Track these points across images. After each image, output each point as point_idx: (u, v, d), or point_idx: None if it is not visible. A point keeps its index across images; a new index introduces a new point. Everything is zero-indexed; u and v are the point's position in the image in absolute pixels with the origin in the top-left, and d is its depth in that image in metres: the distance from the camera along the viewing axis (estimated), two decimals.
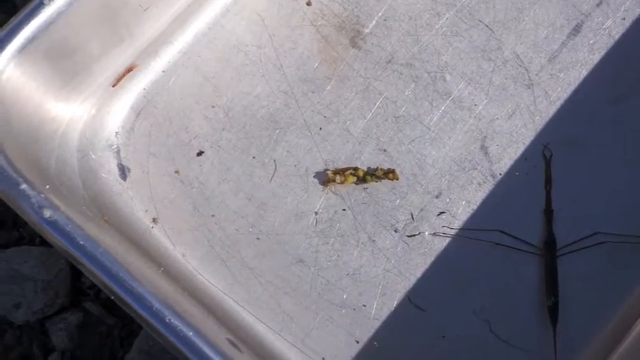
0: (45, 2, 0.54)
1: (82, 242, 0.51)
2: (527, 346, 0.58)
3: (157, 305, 0.50)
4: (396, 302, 0.60)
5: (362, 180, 0.62)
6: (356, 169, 0.62)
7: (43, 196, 0.51)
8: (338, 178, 0.61)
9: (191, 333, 0.49)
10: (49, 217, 0.51)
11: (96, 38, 0.59)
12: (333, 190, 0.62)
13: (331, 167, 0.63)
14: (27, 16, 0.54)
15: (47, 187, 0.53)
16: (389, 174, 0.62)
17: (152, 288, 0.51)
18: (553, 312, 0.58)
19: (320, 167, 0.63)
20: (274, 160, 0.63)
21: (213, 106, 0.64)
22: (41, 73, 0.57)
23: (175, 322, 0.50)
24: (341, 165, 0.63)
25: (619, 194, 0.61)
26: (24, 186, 0.51)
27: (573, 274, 0.60)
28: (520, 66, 0.64)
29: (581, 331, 0.59)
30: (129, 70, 0.63)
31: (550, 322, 0.58)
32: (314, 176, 0.63)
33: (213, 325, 0.55)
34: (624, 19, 0.64)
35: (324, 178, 0.62)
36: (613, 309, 0.59)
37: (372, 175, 0.62)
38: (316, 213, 0.62)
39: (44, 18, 0.55)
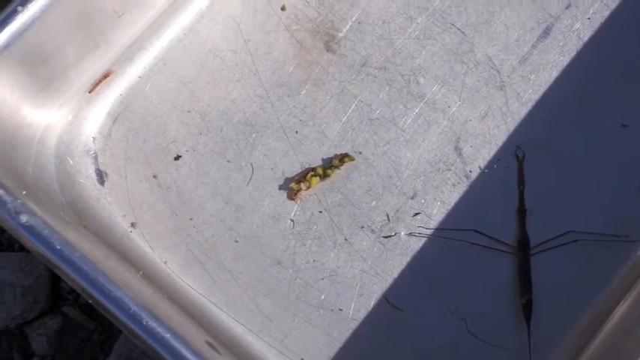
0: (19, 9, 0.54)
1: (58, 247, 0.51)
2: (503, 344, 0.59)
3: (134, 308, 0.50)
4: (373, 302, 0.61)
5: (325, 175, 0.62)
6: (314, 169, 0.63)
7: (19, 201, 0.52)
8: (303, 185, 0.62)
9: (168, 335, 0.50)
10: (26, 222, 0.51)
11: (71, 44, 0.59)
12: (304, 198, 0.62)
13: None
14: (1, 23, 0.54)
15: (24, 192, 0.54)
16: (344, 159, 0.63)
17: (130, 291, 0.51)
18: (527, 309, 0.59)
19: (297, 170, 0.64)
20: (251, 164, 0.64)
21: (189, 111, 0.65)
22: (16, 80, 0.57)
23: (153, 324, 0.50)
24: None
25: (591, 193, 0.62)
26: (0, 191, 0.52)
27: (547, 273, 0.61)
28: (492, 68, 0.65)
29: (555, 328, 0.60)
30: (105, 76, 0.64)
31: (524, 320, 0.59)
32: (291, 179, 0.63)
33: (192, 327, 0.56)
34: (591, 19, 0.65)
35: (290, 195, 0.62)
36: (586, 306, 0.60)
37: (330, 167, 0.63)
38: (292, 217, 0.62)
39: (18, 24, 0.55)
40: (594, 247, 0.61)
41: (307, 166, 0.64)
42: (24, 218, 0.51)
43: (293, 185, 0.62)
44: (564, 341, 0.59)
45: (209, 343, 0.54)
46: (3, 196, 0.52)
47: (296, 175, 0.63)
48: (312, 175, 0.62)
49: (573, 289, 0.60)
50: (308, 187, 0.62)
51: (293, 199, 0.62)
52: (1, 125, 0.57)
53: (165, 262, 0.61)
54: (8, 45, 0.55)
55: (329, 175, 0.63)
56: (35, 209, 0.52)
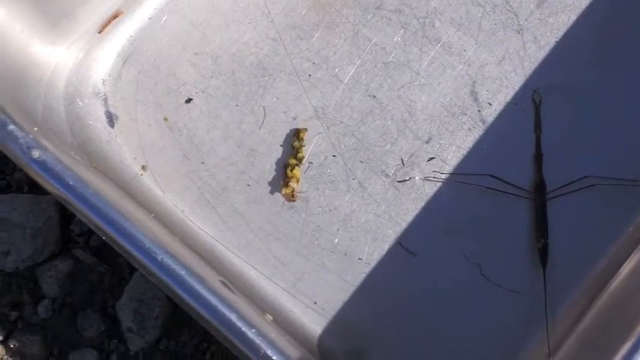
0: None
1: (71, 183, 0.50)
2: (518, 288, 0.59)
3: (148, 245, 0.49)
4: (387, 247, 0.60)
5: (299, 160, 0.61)
6: (286, 165, 0.61)
7: (31, 136, 0.50)
8: (293, 182, 0.60)
9: (184, 272, 0.49)
10: (38, 158, 0.50)
11: None
12: (317, 142, 0.61)
13: (321, 115, 0.62)
14: None
15: (35, 129, 0.53)
16: (300, 134, 0.61)
17: (143, 229, 0.50)
18: (543, 254, 0.59)
19: (309, 114, 0.62)
20: (263, 107, 0.63)
21: (200, 53, 0.64)
22: (25, 16, 0.56)
23: (168, 261, 0.49)
24: (330, 111, 0.62)
25: (608, 138, 0.61)
26: (12, 127, 0.50)
27: (563, 217, 0.60)
28: (509, 11, 0.64)
29: (571, 272, 0.59)
30: (114, 16, 0.63)
31: (540, 264, 0.59)
32: (304, 122, 0.62)
33: (205, 268, 0.55)
34: None
35: (288, 199, 0.60)
36: (601, 250, 0.59)
37: (296, 150, 0.61)
38: (306, 159, 0.62)
39: None
40: (611, 192, 0.60)
41: (321, 110, 0.62)
42: (36, 153, 0.50)
43: (285, 191, 0.60)
44: (580, 286, 0.59)
45: (223, 283, 0.53)
46: (15, 131, 0.50)
47: (280, 181, 0.61)
48: (291, 170, 0.61)
49: (589, 234, 0.60)
50: (298, 181, 0.61)
51: (293, 201, 0.61)
52: (11, 62, 0.56)
53: (182, 211, 0.60)
54: None
55: (303, 157, 0.61)
56: (47, 145, 0.51)
